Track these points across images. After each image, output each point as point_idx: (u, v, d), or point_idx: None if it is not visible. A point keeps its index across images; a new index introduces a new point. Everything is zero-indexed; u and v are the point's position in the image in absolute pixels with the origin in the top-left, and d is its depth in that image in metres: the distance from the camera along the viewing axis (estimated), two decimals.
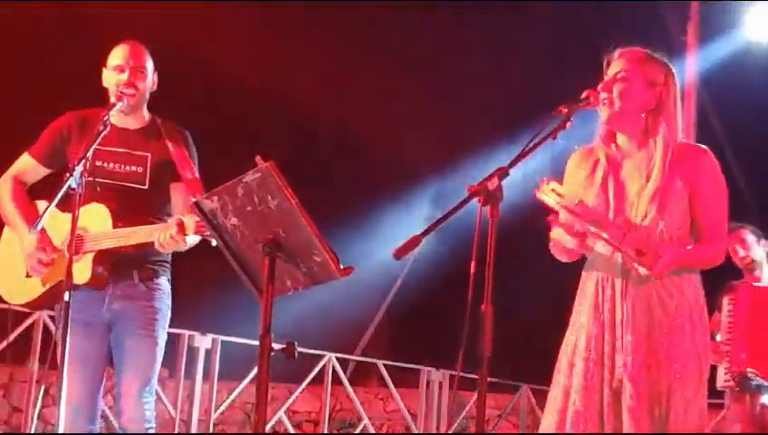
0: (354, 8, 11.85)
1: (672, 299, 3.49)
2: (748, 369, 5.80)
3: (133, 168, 4.23)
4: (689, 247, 3.53)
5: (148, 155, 4.24)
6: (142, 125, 4.34)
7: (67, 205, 3.95)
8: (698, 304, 3.58)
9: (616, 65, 3.63)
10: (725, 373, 6.00)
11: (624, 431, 3.40)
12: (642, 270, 3.39)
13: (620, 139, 3.66)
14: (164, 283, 4.29)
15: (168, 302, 4.30)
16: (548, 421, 3.56)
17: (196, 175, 4.21)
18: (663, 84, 3.61)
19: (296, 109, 12.88)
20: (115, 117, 4.14)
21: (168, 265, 4.31)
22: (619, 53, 3.67)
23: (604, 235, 3.36)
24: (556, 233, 3.56)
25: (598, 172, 3.61)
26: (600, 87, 3.59)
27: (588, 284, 3.60)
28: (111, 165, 4.21)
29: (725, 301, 6.08)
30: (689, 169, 3.55)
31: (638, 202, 3.51)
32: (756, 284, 6.13)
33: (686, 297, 3.53)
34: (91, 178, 4.04)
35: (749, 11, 8.68)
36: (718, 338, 6.10)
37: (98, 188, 4.15)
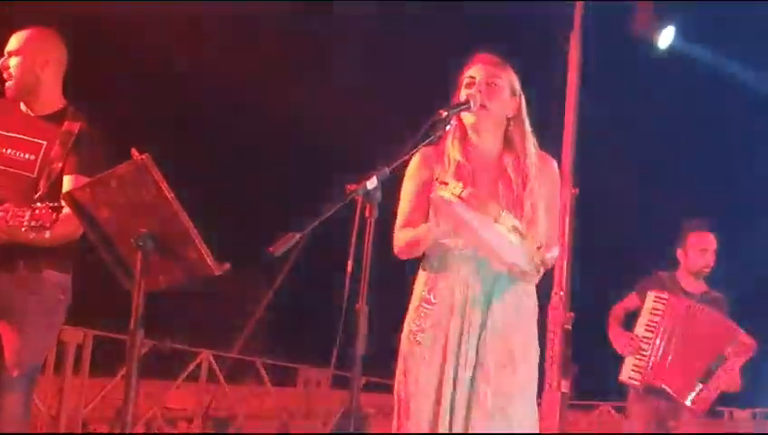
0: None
1: (522, 303, 3.58)
2: (663, 385, 5.75)
3: (26, 155, 4.09)
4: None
5: (44, 143, 4.11)
6: (48, 112, 4.21)
7: None
8: (536, 308, 3.68)
9: (479, 70, 3.69)
10: (634, 370, 5.88)
11: (474, 431, 3.44)
12: (523, 262, 3.41)
13: (478, 142, 3.71)
14: (54, 275, 4.12)
15: (59, 295, 4.12)
16: (405, 426, 3.53)
17: (84, 170, 4.08)
18: (520, 93, 3.73)
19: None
20: (22, 104, 4.15)
21: (64, 257, 4.15)
22: (478, 57, 3.73)
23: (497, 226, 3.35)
24: (421, 231, 3.58)
25: (462, 174, 3.63)
26: (474, 89, 3.62)
27: (440, 284, 3.59)
28: (9, 151, 4.09)
29: (651, 295, 5.95)
30: (545, 176, 3.68)
31: (517, 211, 3.55)
32: (695, 302, 5.94)
33: (532, 300, 3.64)
34: None
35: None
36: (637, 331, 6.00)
37: None
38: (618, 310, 6.15)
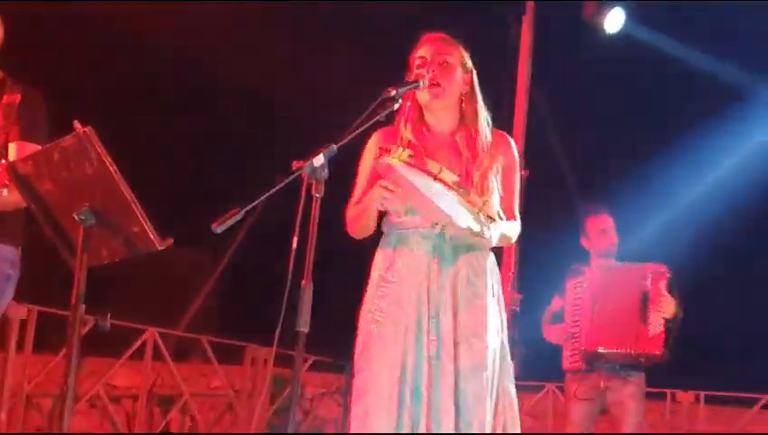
0: None
1: (478, 278, 3.61)
2: (599, 347, 5.92)
3: None
4: (505, 222, 3.64)
5: None
6: None
7: None
8: (498, 281, 3.72)
9: (429, 49, 3.70)
10: (571, 354, 6.10)
11: (441, 407, 3.45)
12: (476, 227, 3.41)
13: (433, 121, 3.73)
14: (4, 249, 4.02)
15: (7, 270, 4.04)
16: (366, 403, 3.54)
17: (27, 136, 4.03)
18: (472, 69, 3.74)
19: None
20: None
21: (13, 230, 4.06)
22: (427, 37, 3.76)
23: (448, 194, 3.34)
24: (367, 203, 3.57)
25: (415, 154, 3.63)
26: (426, 69, 3.63)
27: (398, 262, 3.61)
28: None
29: (571, 285, 6.18)
30: (499, 151, 3.72)
31: (467, 183, 3.56)
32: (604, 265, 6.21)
33: (488, 275, 3.66)
34: None
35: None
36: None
37: None
38: (546, 314, 6.42)
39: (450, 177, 3.35)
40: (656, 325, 5.88)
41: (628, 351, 5.89)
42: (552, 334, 6.32)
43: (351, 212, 3.69)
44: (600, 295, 6.04)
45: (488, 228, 3.45)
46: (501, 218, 3.58)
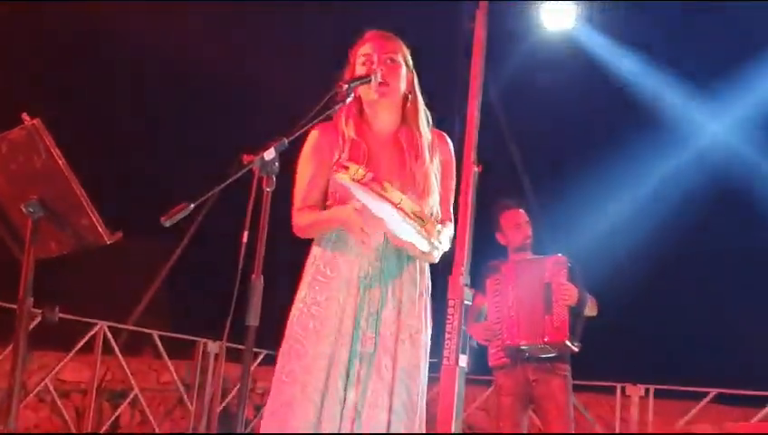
0: None
1: (420, 277, 3.65)
2: (521, 342, 6.04)
3: None
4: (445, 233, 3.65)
5: None
6: None
7: None
8: (430, 285, 3.73)
9: (374, 47, 3.68)
10: (495, 351, 6.23)
11: (375, 402, 3.46)
12: (426, 249, 3.45)
13: (374, 118, 3.72)
14: None
15: None
16: (293, 393, 3.49)
17: None
18: (412, 68, 3.76)
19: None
20: None
21: None
22: (371, 34, 3.73)
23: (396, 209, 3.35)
24: (336, 213, 3.56)
25: (357, 152, 3.62)
26: (375, 66, 3.63)
27: (338, 259, 3.58)
28: None
29: (491, 282, 6.29)
30: (437, 149, 3.73)
31: (410, 183, 3.57)
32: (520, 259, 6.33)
33: (426, 277, 3.69)
34: None
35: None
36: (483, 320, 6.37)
37: None
38: (470, 312, 6.53)
39: (410, 206, 3.35)
40: (560, 314, 6.02)
41: (538, 342, 6.02)
42: (474, 332, 6.46)
43: (305, 219, 3.63)
44: (516, 291, 6.17)
45: (438, 251, 3.52)
46: (437, 220, 3.58)
